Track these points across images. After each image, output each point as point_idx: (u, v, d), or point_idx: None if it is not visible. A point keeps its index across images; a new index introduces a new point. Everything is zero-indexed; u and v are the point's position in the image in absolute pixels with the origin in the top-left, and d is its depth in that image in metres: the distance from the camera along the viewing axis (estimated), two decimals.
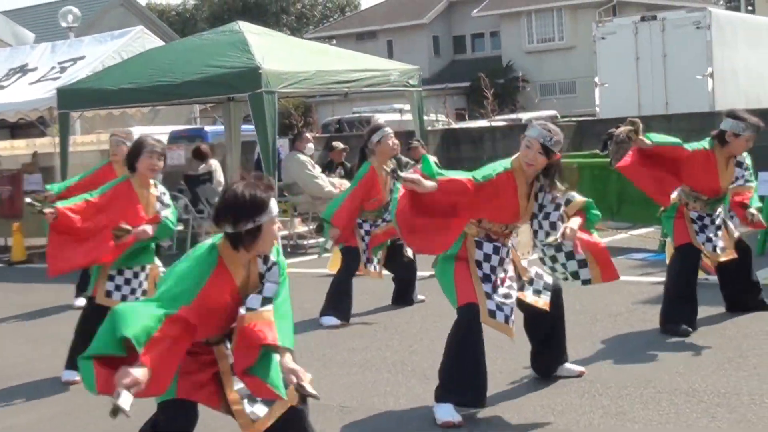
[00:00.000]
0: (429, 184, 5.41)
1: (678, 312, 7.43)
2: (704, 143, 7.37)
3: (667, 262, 9.06)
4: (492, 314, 5.64)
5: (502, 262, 5.78)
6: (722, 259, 7.54)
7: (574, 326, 7.85)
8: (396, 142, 8.83)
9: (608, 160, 11.96)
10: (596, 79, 21.15)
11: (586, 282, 5.85)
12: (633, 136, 7.25)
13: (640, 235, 12.26)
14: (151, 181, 7.01)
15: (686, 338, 7.24)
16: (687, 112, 17.23)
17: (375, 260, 8.98)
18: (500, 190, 5.62)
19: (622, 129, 11.92)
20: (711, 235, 7.46)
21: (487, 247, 5.74)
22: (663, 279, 9.26)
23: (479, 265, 5.71)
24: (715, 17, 20.12)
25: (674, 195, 7.59)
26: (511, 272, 5.86)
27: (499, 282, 5.73)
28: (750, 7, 42.65)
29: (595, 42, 21.17)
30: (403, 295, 9.33)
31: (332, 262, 10.51)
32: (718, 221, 7.52)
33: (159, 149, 6.87)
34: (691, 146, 7.34)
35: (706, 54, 19.69)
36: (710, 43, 19.70)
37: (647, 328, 7.68)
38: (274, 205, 4.14)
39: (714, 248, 7.47)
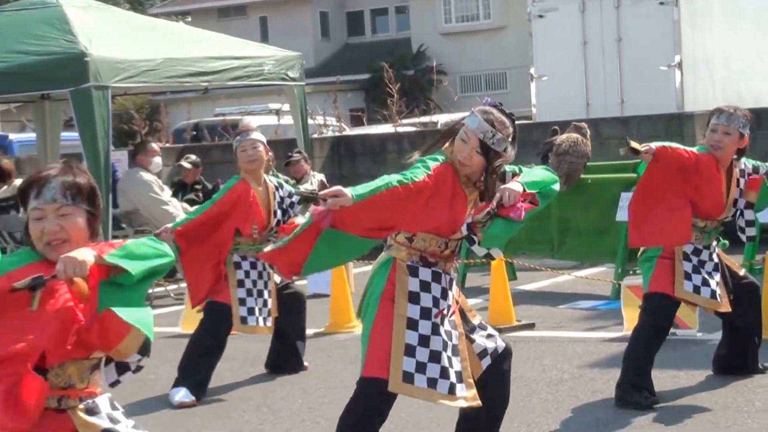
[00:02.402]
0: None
1: (642, 377, 7.46)
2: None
3: (624, 313, 9.25)
4: (409, 378, 5.48)
5: (445, 294, 5.66)
6: (721, 309, 7.65)
7: None
8: (257, 152, 8.73)
9: None
10: (532, 71, 21.32)
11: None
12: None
13: (587, 276, 12.35)
14: None
15: (649, 412, 7.26)
16: (648, 114, 17.46)
17: (261, 308, 8.79)
18: (435, 191, 5.50)
19: (565, 137, 12.21)
20: (707, 276, 7.55)
21: (424, 273, 5.64)
22: (618, 334, 9.41)
23: (415, 298, 5.59)
24: None
25: None
26: (453, 316, 5.74)
27: (437, 328, 5.61)
28: None
29: (530, 21, 21.37)
30: (287, 360, 9.18)
31: (186, 320, 10.39)
32: (715, 258, 7.64)
33: None
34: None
35: (673, 38, 19.99)
36: (678, 23, 20.00)
37: (598, 398, 7.72)
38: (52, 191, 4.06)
39: (713, 294, 7.57)
